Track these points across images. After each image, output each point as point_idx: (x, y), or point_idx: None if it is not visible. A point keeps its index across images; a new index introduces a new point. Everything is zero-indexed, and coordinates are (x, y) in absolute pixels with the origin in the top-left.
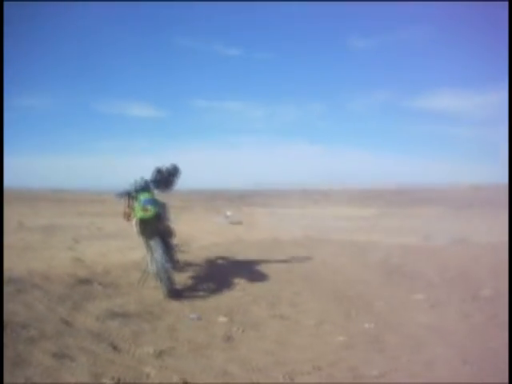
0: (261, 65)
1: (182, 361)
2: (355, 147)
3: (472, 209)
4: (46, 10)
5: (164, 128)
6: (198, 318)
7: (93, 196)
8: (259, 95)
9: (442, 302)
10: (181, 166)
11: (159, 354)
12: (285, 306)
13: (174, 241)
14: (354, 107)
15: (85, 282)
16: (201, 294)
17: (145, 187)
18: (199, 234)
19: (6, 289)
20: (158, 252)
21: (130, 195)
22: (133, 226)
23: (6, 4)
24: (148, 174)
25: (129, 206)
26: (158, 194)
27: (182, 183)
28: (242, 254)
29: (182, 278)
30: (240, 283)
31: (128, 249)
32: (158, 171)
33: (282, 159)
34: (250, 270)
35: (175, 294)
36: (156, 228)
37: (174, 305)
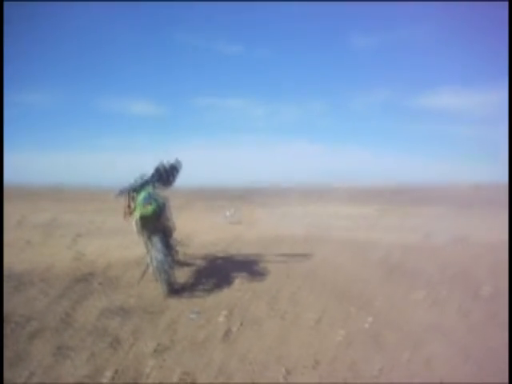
0: (262, 63)
1: (181, 357)
2: (356, 146)
3: (472, 208)
4: (46, 7)
5: (165, 126)
6: (197, 315)
7: (93, 193)
8: (260, 93)
9: (442, 300)
10: (182, 163)
11: (159, 351)
12: (284, 303)
13: (174, 237)
14: (354, 106)
15: (85, 278)
16: (200, 290)
17: (145, 184)
18: (198, 232)
19: (6, 285)
20: (158, 249)
21: (130, 193)
22: (132, 225)
23: (6, 1)
24: (148, 172)
25: (129, 206)
26: (160, 190)
27: (182, 181)
28: (242, 252)
29: (181, 275)
30: (239, 280)
31: (128, 246)
32: (158, 168)
33: (282, 157)
34: (249, 267)
35: (175, 290)
36: (156, 225)
37: (174, 301)
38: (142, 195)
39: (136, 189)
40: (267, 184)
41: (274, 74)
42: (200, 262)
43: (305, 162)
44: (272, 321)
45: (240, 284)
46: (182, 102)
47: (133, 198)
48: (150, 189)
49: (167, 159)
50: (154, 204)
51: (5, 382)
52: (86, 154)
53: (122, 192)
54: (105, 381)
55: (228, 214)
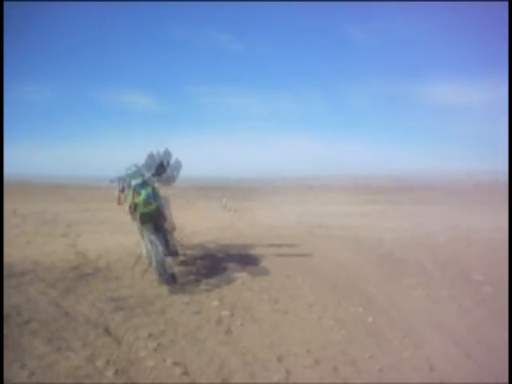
0: (259, 56)
1: (175, 344)
2: (353, 137)
3: (466, 197)
4: (43, 3)
5: (162, 119)
6: (191, 303)
7: (87, 183)
8: (258, 87)
9: (434, 287)
10: (178, 156)
11: (152, 338)
12: (277, 291)
13: (169, 227)
14: (352, 98)
15: (78, 267)
16: (194, 279)
17: (137, 172)
18: (192, 222)
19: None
20: (152, 238)
21: (123, 180)
22: (125, 211)
23: (6, 0)
24: (140, 161)
25: (122, 191)
26: (154, 181)
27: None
28: (235, 241)
29: (175, 264)
30: (232, 269)
31: (121, 235)
32: (150, 156)
33: (280, 150)
34: (242, 256)
35: (169, 279)
36: (157, 221)
37: (167, 289)
38: (133, 183)
39: (130, 176)
40: (262, 174)
41: (272, 68)
42: (193, 251)
43: (299, 152)
44: (264, 307)
45: (232, 272)
46: (180, 95)
47: (128, 185)
48: (142, 177)
49: (158, 149)
50: (157, 202)
51: (5, 381)
52: (83, 147)
53: (116, 179)
54: (98, 369)
55: (224, 201)
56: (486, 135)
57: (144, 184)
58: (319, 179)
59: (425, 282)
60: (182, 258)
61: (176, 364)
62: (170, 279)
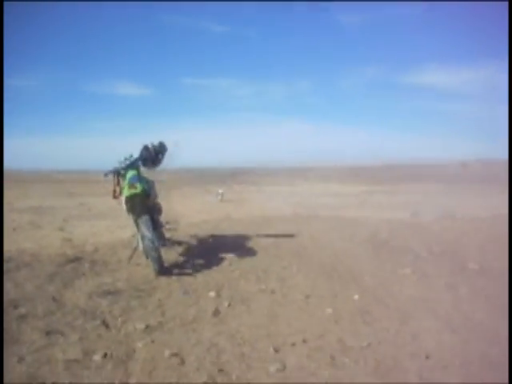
0: (248, 42)
1: (171, 336)
2: (344, 124)
3: (460, 185)
4: None
5: (153, 107)
6: (186, 294)
7: (82, 176)
8: (247, 73)
9: (430, 276)
10: (169, 144)
11: (149, 330)
12: (273, 281)
13: (163, 218)
14: (342, 84)
15: (74, 260)
16: (189, 270)
17: (132, 165)
18: (188, 212)
19: None
20: (147, 229)
21: (118, 173)
22: (121, 204)
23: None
24: (135, 153)
25: (117, 184)
26: (146, 172)
27: (170, 161)
28: (231, 231)
29: (170, 255)
30: (228, 259)
31: (117, 228)
32: (145, 148)
33: (271, 137)
34: (238, 246)
35: (164, 270)
36: (144, 205)
37: (163, 281)
38: (129, 175)
39: (124, 168)
40: (256, 164)
41: (261, 53)
42: (189, 242)
43: (293, 140)
44: (261, 298)
45: (228, 262)
46: (170, 82)
47: (123, 177)
48: (137, 169)
49: (152, 141)
50: (142, 183)
51: (5, 381)
52: (75, 137)
53: (110, 172)
54: (95, 362)
55: (220, 191)
56: (484, 123)
57: (140, 177)
58: (314, 169)
59: (420, 270)
60: (178, 250)
61: (173, 355)
62: (166, 271)
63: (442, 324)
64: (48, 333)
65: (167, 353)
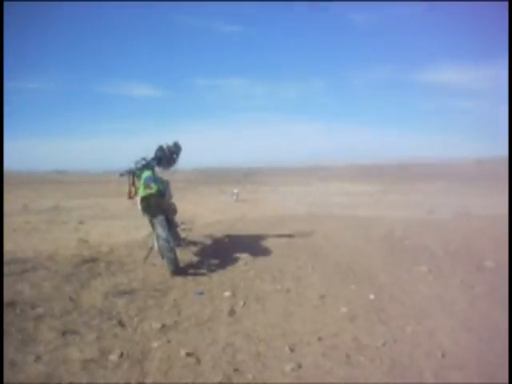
0: (261, 42)
1: (187, 335)
2: (357, 123)
3: (475, 183)
4: None
5: (166, 108)
6: (202, 294)
7: (96, 177)
8: (261, 73)
9: (445, 274)
10: (183, 145)
11: (165, 329)
12: (288, 280)
13: (178, 218)
14: (355, 83)
15: (90, 261)
16: (205, 270)
17: (147, 165)
18: (203, 212)
19: (13, 269)
20: (162, 229)
21: (133, 173)
22: (136, 204)
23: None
24: (150, 153)
25: (132, 185)
26: (161, 172)
27: (184, 162)
28: (246, 231)
29: (185, 255)
30: (243, 258)
31: (132, 228)
32: (160, 149)
33: (283, 136)
34: (253, 246)
35: (179, 270)
36: (159, 205)
37: (179, 281)
38: (144, 176)
39: (140, 169)
40: (269, 163)
41: (274, 53)
42: (204, 241)
43: (306, 140)
44: (276, 297)
45: (243, 262)
46: (183, 83)
47: (138, 177)
48: (152, 169)
49: (167, 141)
50: (157, 183)
51: (5, 381)
52: (87, 139)
53: (125, 172)
54: (112, 361)
55: (236, 191)
56: (499, 121)
57: (155, 177)
58: (327, 168)
59: (436, 269)
60: (193, 250)
61: (189, 355)
62: (181, 271)
63: (458, 323)
64: (65, 332)
65: (183, 352)
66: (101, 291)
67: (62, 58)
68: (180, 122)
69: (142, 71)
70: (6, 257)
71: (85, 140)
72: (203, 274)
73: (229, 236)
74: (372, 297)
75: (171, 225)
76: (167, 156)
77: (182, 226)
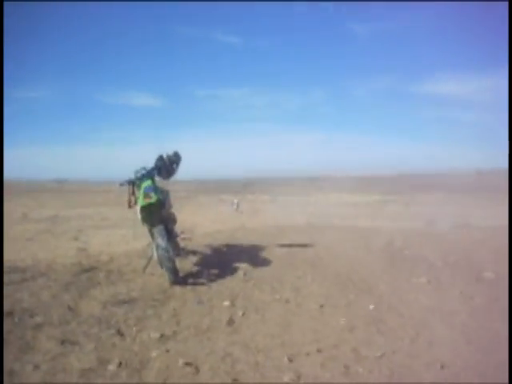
0: (261, 52)
1: (186, 345)
2: (357, 134)
3: (475, 193)
4: (46, 1)
5: (166, 117)
6: (201, 303)
7: (96, 186)
8: (261, 83)
9: (445, 285)
10: (183, 155)
11: (163, 339)
12: (287, 290)
13: (177, 228)
14: (356, 93)
15: (89, 270)
16: (204, 279)
17: (147, 175)
18: (202, 222)
19: (12, 278)
20: (161, 239)
21: (133, 183)
22: (136, 214)
23: (6, 0)
24: (150, 163)
25: (132, 194)
26: (161, 182)
27: (184, 172)
28: (245, 241)
29: (185, 265)
30: (243, 268)
31: (132, 238)
32: (160, 159)
33: (284, 146)
34: (252, 256)
35: (179, 280)
36: (159, 215)
37: (178, 290)
38: (144, 185)
39: (140, 178)
40: (269, 173)
41: (274, 63)
42: (203, 251)
43: (306, 150)
44: (275, 307)
45: (243, 272)
46: (183, 93)
47: (137, 187)
48: (152, 179)
49: (167, 151)
50: (157, 192)
51: (4, 382)
52: (87, 147)
53: (125, 182)
54: (110, 370)
55: (236, 201)
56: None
57: (155, 187)
58: (327, 179)
59: (435, 280)
60: (192, 259)
61: (187, 364)
62: (181, 280)
63: (458, 334)
64: (63, 341)
65: (181, 362)
66: (100, 300)
67: (61, 66)
68: (180, 132)
69: (142, 80)
70: (6, 266)
71: (85, 149)
72: (202, 284)
73: (228, 246)
74: (371, 307)
75: (171, 234)
76: (167, 166)
77: (182, 236)
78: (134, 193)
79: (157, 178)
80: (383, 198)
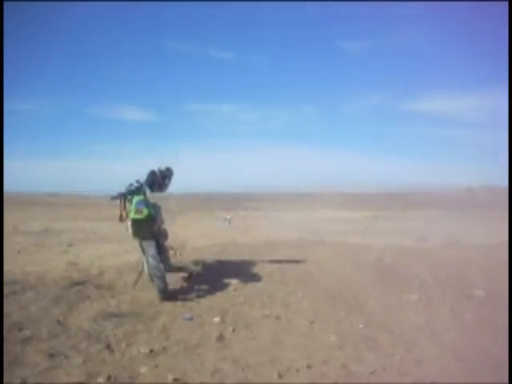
0: (253, 68)
1: (175, 360)
2: (348, 150)
3: (465, 211)
4: (39, 15)
5: (157, 132)
6: (191, 319)
7: (87, 200)
8: (252, 98)
9: (435, 302)
10: (175, 169)
11: (153, 354)
12: (278, 307)
13: (168, 242)
14: (347, 110)
15: (79, 283)
16: (194, 295)
17: (138, 189)
18: (194, 237)
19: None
20: (152, 253)
21: (124, 197)
22: (127, 228)
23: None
24: (142, 177)
25: (123, 208)
26: (153, 197)
27: (176, 187)
28: (236, 256)
29: (175, 280)
30: (233, 284)
31: (122, 252)
32: (152, 173)
33: (275, 162)
34: (243, 272)
35: (169, 295)
36: (150, 230)
37: (168, 305)
38: (135, 200)
39: (131, 193)
40: (260, 189)
41: (265, 79)
42: (194, 267)
43: (297, 166)
44: (265, 323)
45: (233, 287)
46: (175, 108)
47: (129, 201)
48: (143, 194)
49: (159, 165)
50: (148, 207)
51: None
52: (79, 160)
53: (117, 196)
54: None
55: (228, 217)
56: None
57: (147, 202)
58: (319, 195)
59: (426, 297)
60: (183, 274)
61: (177, 380)
62: (171, 295)
63: (447, 351)
64: (52, 355)
65: (171, 377)
66: (89, 314)
67: (53, 80)
68: (172, 147)
69: (135, 95)
70: None
71: (77, 162)
72: (192, 299)
73: (219, 261)
74: (361, 324)
75: (162, 249)
76: (159, 180)
77: (172, 251)
78: (125, 207)
79: (148, 193)
80: (374, 214)
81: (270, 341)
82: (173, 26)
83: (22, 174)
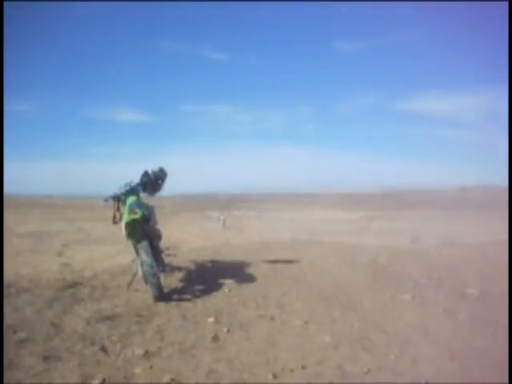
0: (248, 69)
1: (170, 361)
2: (343, 150)
3: (459, 210)
4: (35, 17)
5: (152, 133)
6: (185, 320)
7: (81, 201)
8: (247, 99)
9: (429, 302)
10: (169, 171)
11: (148, 356)
12: (272, 307)
13: (162, 243)
14: (342, 110)
15: (73, 285)
16: (189, 295)
17: (132, 190)
18: (188, 238)
19: None
20: (146, 255)
21: (118, 198)
22: (121, 229)
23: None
24: (136, 178)
25: (117, 210)
26: (146, 198)
27: (170, 188)
28: (230, 257)
29: (170, 281)
30: (228, 285)
31: (116, 253)
32: (146, 174)
33: (270, 163)
34: (237, 272)
35: (163, 296)
36: (144, 231)
37: (162, 307)
38: (129, 201)
39: (125, 194)
40: (255, 190)
41: (260, 79)
42: (188, 267)
43: (292, 166)
44: (260, 324)
45: (228, 288)
46: (169, 109)
47: (123, 203)
48: (137, 195)
49: (153, 167)
50: (142, 208)
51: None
52: (74, 162)
53: (110, 197)
54: None
55: (222, 217)
56: (483, 150)
57: (140, 203)
58: (313, 195)
59: (420, 297)
60: (177, 276)
61: (172, 381)
62: (165, 297)
63: (442, 350)
64: (46, 358)
65: (166, 379)
66: (83, 316)
67: (47, 81)
68: (166, 148)
69: (129, 96)
70: None
71: (71, 164)
72: (187, 300)
73: (213, 262)
74: (356, 324)
75: (155, 250)
76: (152, 181)
77: (167, 252)
78: (119, 208)
79: (142, 194)
80: (369, 214)
81: (265, 341)
82: (167, 28)
83: (16, 176)
